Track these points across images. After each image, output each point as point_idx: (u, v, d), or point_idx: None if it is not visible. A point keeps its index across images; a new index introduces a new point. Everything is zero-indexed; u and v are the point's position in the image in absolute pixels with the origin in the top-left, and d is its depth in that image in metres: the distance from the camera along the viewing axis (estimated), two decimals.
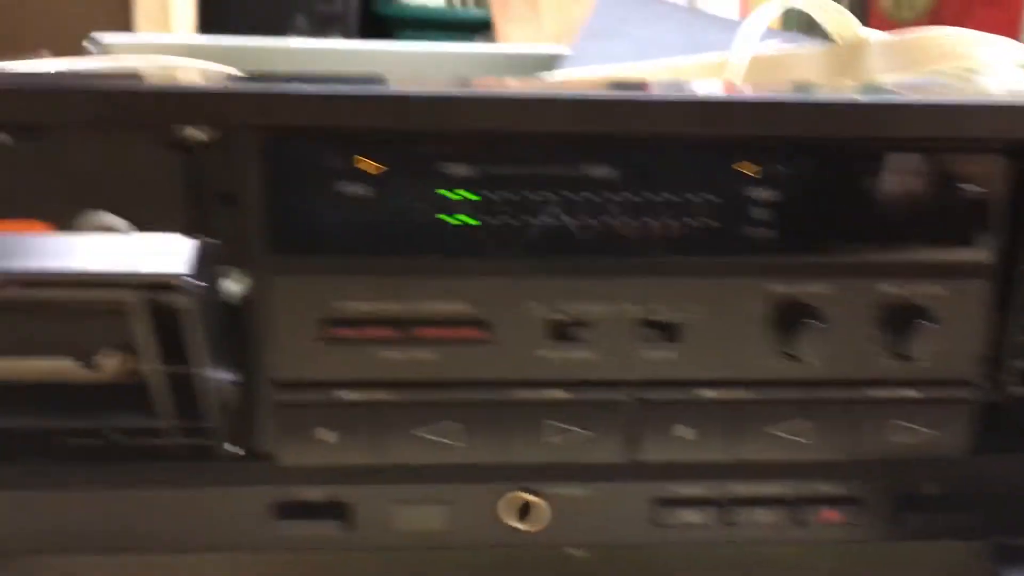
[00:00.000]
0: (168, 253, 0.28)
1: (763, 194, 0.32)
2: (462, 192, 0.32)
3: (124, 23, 1.65)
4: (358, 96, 0.31)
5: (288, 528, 0.34)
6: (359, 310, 0.32)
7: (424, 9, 2.04)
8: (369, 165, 0.31)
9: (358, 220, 0.31)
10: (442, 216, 0.32)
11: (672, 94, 0.32)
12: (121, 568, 0.36)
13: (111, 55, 0.73)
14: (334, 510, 0.34)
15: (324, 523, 0.34)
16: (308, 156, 0.31)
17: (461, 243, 0.32)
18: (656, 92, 0.32)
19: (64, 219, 0.33)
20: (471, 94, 0.31)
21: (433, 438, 0.33)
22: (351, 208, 0.31)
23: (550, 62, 0.75)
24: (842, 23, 0.46)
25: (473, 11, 1.99)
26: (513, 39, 1.75)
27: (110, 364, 0.36)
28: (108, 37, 0.75)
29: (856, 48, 0.47)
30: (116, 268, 0.27)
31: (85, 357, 0.36)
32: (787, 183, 0.32)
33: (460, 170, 0.31)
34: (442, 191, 0.31)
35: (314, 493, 0.34)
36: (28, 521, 0.33)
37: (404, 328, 0.32)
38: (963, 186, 0.32)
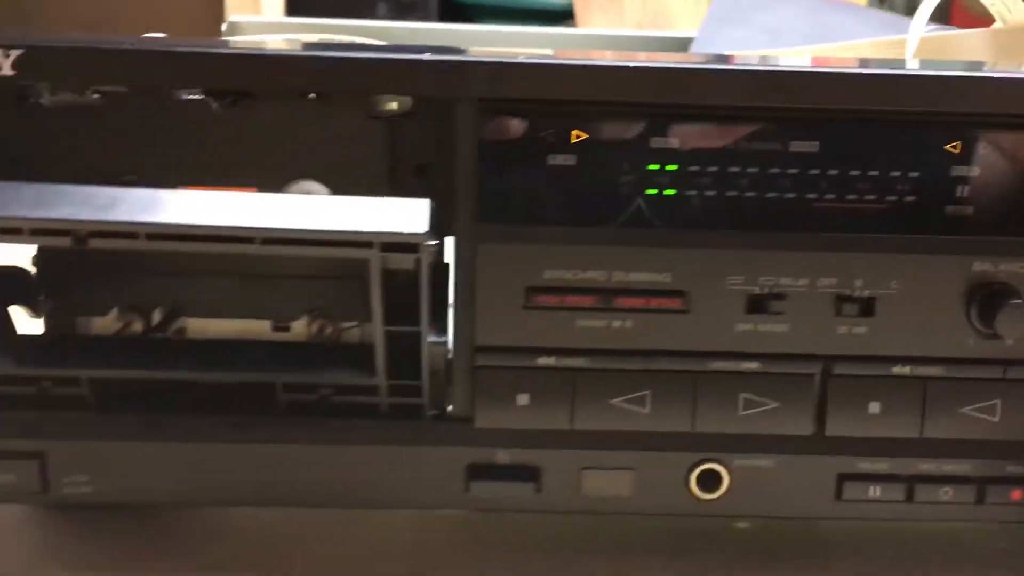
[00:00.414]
0: (403, 215, 0.29)
1: (965, 171, 0.32)
2: (666, 164, 0.32)
3: (216, 9, 1.68)
4: (572, 67, 0.31)
5: (481, 489, 0.34)
6: (562, 279, 0.33)
7: None
8: (577, 136, 0.32)
9: (564, 190, 0.32)
10: (646, 187, 0.32)
11: (879, 69, 0.32)
12: (315, 522, 0.38)
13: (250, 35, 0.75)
14: (525, 473, 0.35)
15: (515, 485, 0.35)
16: (520, 126, 0.32)
17: (663, 214, 0.32)
18: (861, 67, 0.32)
19: (267, 186, 0.35)
20: (688, 67, 0.32)
21: (625, 406, 0.34)
22: (557, 178, 0.32)
23: (679, 47, 0.75)
24: (1009, 5, 0.46)
25: None
26: (595, 27, 1.74)
27: (300, 327, 0.37)
28: (243, 19, 0.77)
29: (1021, 31, 0.46)
30: (360, 227, 0.28)
31: (278, 319, 0.37)
32: (988, 160, 0.32)
33: (665, 142, 0.32)
34: (647, 163, 0.32)
35: (506, 456, 0.34)
36: (230, 473, 0.35)
37: (604, 297, 0.33)
38: None
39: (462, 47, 0.32)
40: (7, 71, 0.30)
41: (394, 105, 0.35)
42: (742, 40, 0.76)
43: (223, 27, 0.79)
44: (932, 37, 0.46)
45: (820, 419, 0.34)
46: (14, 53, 0.30)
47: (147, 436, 0.34)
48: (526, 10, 1.98)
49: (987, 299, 0.32)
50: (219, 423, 0.34)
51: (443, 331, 0.33)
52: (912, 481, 0.35)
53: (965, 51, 0.46)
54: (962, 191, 0.32)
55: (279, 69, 0.31)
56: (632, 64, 0.32)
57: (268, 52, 0.32)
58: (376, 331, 0.31)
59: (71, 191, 0.29)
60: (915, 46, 0.45)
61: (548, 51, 0.34)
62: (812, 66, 0.32)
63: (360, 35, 0.71)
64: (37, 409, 0.34)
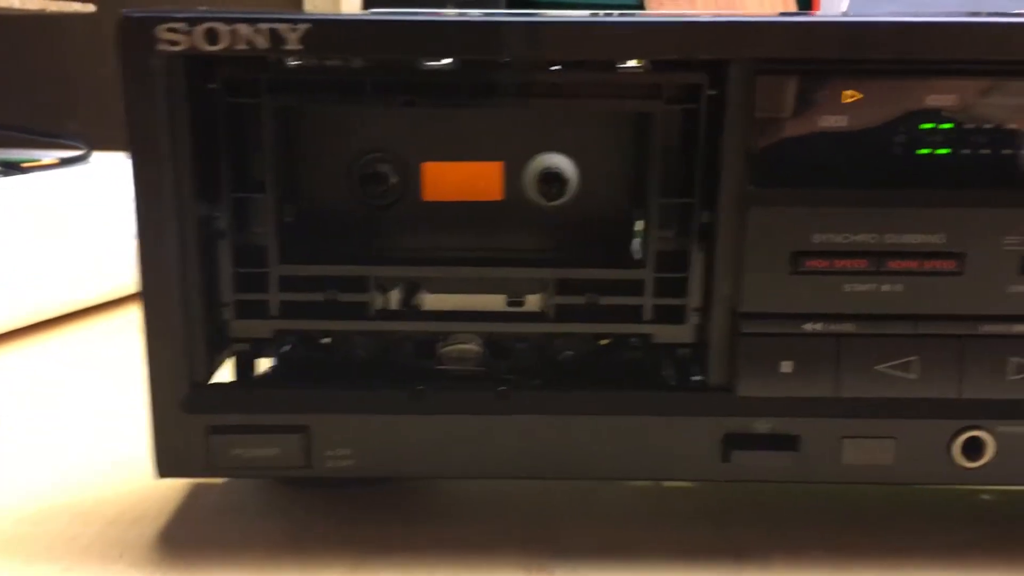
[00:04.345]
0: None
1: None
2: (940, 123, 0.31)
3: (294, 3, 1.69)
4: (845, 25, 0.31)
5: (739, 459, 0.34)
6: (831, 242, 0.32)
7: None
8: (849, 96, 0.31)
9: (835, 151, 0.32)
10: (918, 147, 0.32)
11: None
12: (567, 492, 0.37)
13: None
14: (784, 442, 0.34)
15: (775, 455, 0.34)
16: (792, 87, 0.31)
17: (936, 174, 0.32)
18: None
19: (518, 160, 0.35)
20: (963, 22, 0.31)
21: (891, 372, 0.33)
22: (829, 140, 0.32)
23: None
24: None
25: None
26: None
27: (534, 300, 0.37)
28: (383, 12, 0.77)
29: None
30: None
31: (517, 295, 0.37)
32: None
33: (938, 100, 0.31)
34: (920, 122, 0.31)
35: (766, 425, 0.34)
36: (491, 446, 0.34)
37: (875, 260, 0.32)
38: None
39: None
40: (294, 45, 0.30)
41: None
42: (893, 15, 0.75)
43: None
44: None
45: None
46: (302, 27, 0.30)
47: (410, 409, 0.34)
48: (597, 2, 1.96)
49: None
50: (479, 396, 0.34)
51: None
52: None
53: None
54: None
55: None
56: (907, 20, 0.31)
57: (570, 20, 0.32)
58: (650, 205, 0.32)
59: None
60: None
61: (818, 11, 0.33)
62: None
63: None
64: (303, 385, 0.35)
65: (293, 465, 0.34)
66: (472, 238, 0.36)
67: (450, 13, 0.35)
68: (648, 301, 0.34)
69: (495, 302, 0.37)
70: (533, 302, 0.37)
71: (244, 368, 0.36)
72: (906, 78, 0.31)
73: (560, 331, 0.35)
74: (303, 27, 0.31)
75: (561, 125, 0.35)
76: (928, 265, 0.32)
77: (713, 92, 0.32)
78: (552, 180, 0.35)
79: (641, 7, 1.79)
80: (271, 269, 0.34)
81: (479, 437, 0.34)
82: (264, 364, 0.37)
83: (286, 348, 0.37)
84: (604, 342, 0.37)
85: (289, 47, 0.31)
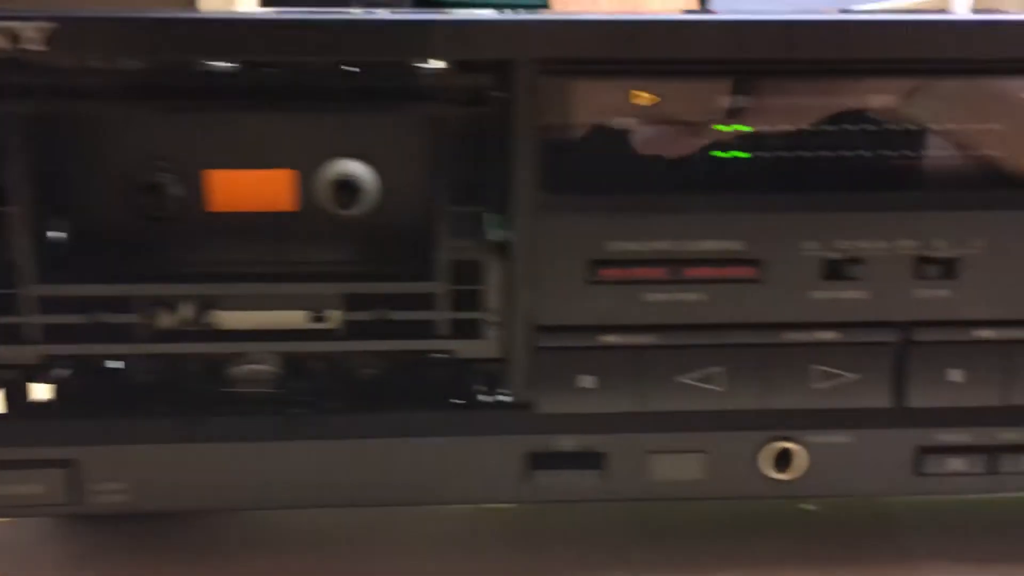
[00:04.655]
0: None
1: None
2: (735, 126, 0.30)
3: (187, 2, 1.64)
4: (633, 24, 0.29)
5: (543, 478, 0.32)
6: (627, 250, 0.31)
7: None
8: (640, 98, 0.30)
9: (627, 156, 0.30)
10: (714, 151, 0.30)
11: (964, 18, 0.30)
12: (367, 521, 0.35)
13: None
14: (589, 460, 0.33)
15: (579, 473, 0.33)
16: (581, 89, 0.30)
17: (734, 178, 0.31)
18: (944, 16, 0.30)
19: (310, 167, 0.33)
20: (755, 21, 0.30)
21: (695, 383, 0.32)
22: (621, 143, 0.30)
23: None
24: None
25: None
26: None
27: (335, 317, 0.35)
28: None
29: None
30: None
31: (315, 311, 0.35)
32: None
33: (734, 102, 0.30)
34: (716, 125, 0.30)
35: (569, 442, 0.32)
36: (275, 474, 0.32)
37: (673, 268, 0.31)
38: None
39: None
40: (38, 46, 0.28)
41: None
42: (761, 8, 0.75)
43: None
44: None
45: (899, 390, 0.32)
46: (47, 26, 0.28)
47: (191, 437, 0.32)
48: (502, 4, 1.95)
49: None
50: (267, 421, 0.32)
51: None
52: (995, 452, 0.33)
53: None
54: None
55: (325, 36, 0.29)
56: (697, 19, 0.30)
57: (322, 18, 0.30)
58: (441, 213, 0.31)
59: None
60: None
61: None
62: (892, 15, 0.30)
63: None
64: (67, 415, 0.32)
65: (57, 503, 0.31)
66: (268, 251, 0.34)
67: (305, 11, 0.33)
68: (441, 315, 0.32)
69: (296, 318, 0.34)
70: (335, 318, 0.34)
71: (14, 397, 0.33)
72: (699, 78, 0.30)
73: (350, 349, 0.33)
74: (48, 26, 0.28)
75: (357, 130, 0.33)
76: (726, 272, 0.31)
77: (500, 94, 0.30)
78: (345, 187, 0.33)
79: (545, 5, 1.79)
80: (28, 290, 0.31)
81: (268, 465, 0.32)
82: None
83: (63, 374, 0.34)
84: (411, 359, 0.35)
85: (30, 47, 0.28)
